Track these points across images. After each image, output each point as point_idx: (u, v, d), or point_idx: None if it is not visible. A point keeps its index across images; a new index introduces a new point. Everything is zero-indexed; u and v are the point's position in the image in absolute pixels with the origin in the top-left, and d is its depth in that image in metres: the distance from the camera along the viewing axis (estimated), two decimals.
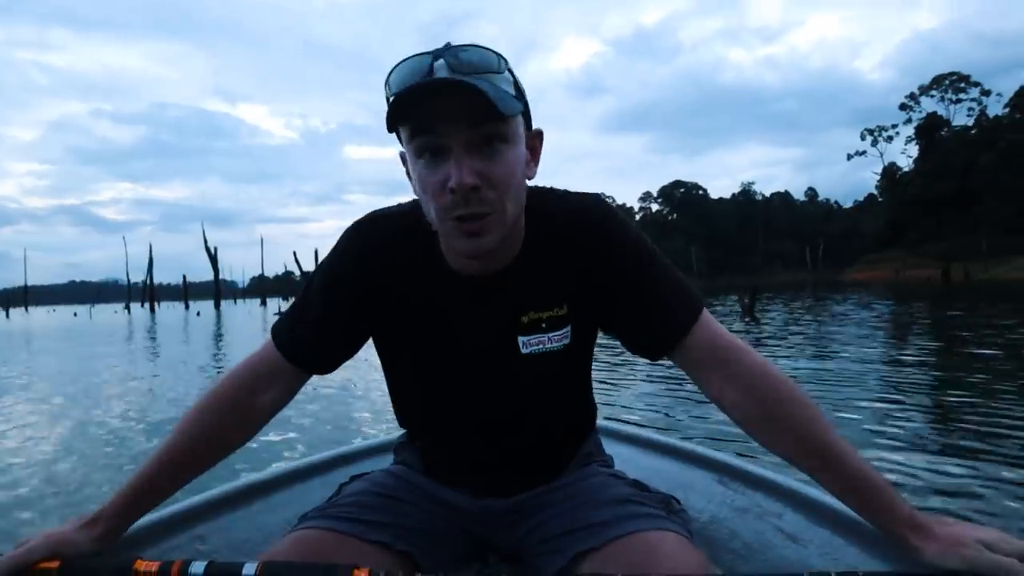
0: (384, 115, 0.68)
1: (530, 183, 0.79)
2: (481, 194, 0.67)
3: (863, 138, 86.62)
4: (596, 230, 0.80)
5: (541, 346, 0.82)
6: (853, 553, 0.83)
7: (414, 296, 0.83)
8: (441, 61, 0.67)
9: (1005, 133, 61.54)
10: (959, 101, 72.63)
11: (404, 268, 0.82)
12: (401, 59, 0.69)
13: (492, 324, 0.81)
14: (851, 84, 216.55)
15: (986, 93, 71.58)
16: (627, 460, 1.23)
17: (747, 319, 12.46)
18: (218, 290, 40.32)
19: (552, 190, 0.85)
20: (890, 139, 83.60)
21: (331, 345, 0.85)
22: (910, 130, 76.13)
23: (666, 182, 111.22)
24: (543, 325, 0.81)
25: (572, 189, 0.87)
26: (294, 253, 30.84)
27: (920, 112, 74.48)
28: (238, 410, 0.82)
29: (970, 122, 70.50)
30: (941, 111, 73.21)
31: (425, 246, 0.81)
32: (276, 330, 0.86)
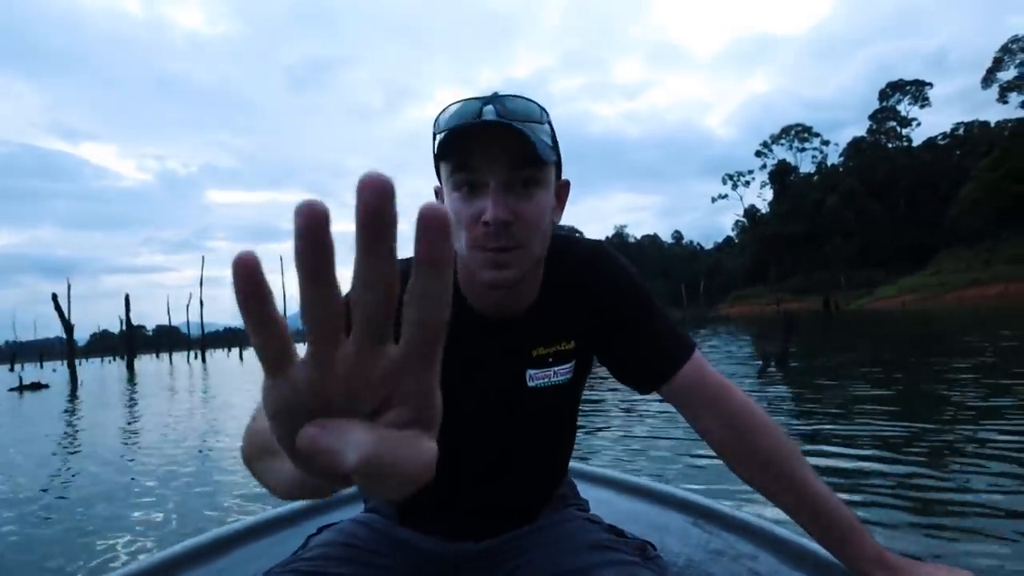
0: (430, 152, 0.76)
1: None
2: (512, 230, 0.70)
3: (724, 182, 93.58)
4: (605, 275, 0.85)
5: (547, 379, 0.84)
6: None
7: None
8: (490, 107, 0.70)
9: (843, 179, 68.05)
10: (804, 149, 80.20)
11: None
12: (451, 102, 0.74)
13: (504, 360, 0.83)
14: (702, 138, 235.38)
15: (826, 143, 79.61)
16: (602, 503, 1.19)
17: (772, 369, 7.50)
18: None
19: (562, 236, 0.88)
20: (747, 184, 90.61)
21: None
22: (764, 176, 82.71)
23: None
24: (550, 359, 0.84)
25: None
26: (54, 298, 24.17)
27: (773, 159, 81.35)
28: None
29: (813, 169, 77.76)
30: (790, 158, 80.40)
31: None
32: None
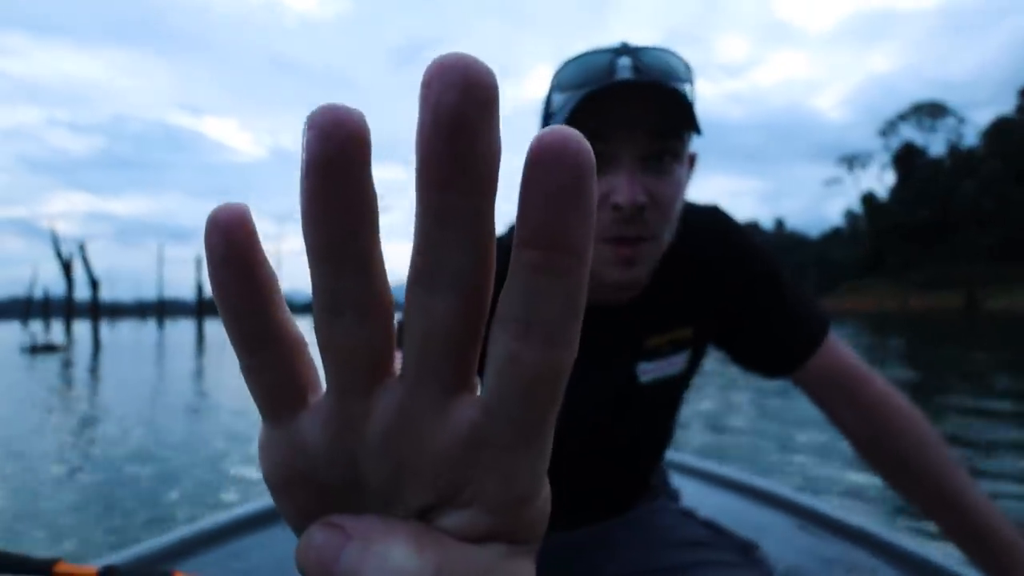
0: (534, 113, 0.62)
1: None
2: (645, 215, 0.58)
3: (838, 164, 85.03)
4: (730, 245, 0.73)
5: (660, 372, 0.73)
6: None
7: None
8: (625, 60, 0.57)
9: (982, 162, 59.59)
10: (935, 130, 71.09)
11: None
12: (574, 55, 0.61)
13: (613, 354, 0.72)
14: (811, 120, 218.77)
15: (961, 121, 70.18)
16: (692, 496, 1.09)
17: None
18: (70, 307, 29.69)
19: None
20: (863, 166, 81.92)
21: None
22: (886, 158, 74.44)
23: None
24: (665, 349, 0.73)
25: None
26: (80, 248, 23.35)
27: (898, 138, 72.83)
28: None
29: (945, 151, 68.88)
30: (918, 139, 71.67)
31: None
32: None
